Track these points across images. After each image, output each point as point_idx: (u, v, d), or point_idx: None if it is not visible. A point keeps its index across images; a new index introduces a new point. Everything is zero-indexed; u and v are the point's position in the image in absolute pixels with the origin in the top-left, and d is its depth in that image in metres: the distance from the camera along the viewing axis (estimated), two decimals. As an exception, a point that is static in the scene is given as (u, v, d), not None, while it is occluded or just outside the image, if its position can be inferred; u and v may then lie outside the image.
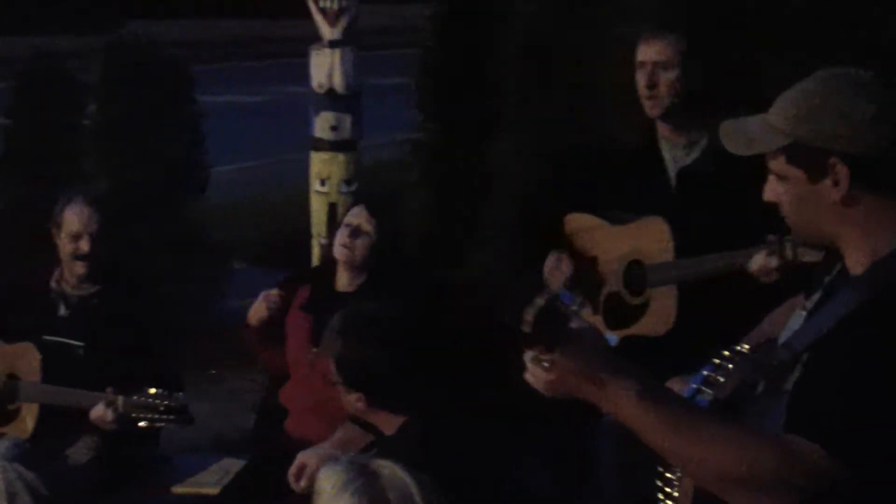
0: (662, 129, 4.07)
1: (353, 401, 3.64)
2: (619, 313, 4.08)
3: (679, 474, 2.35)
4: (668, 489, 2.38)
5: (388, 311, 3.75)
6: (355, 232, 4.37)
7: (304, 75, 6.11)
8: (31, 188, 7.53)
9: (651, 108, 4.02)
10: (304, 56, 6.05)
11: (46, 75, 7.75)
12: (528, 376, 2.22)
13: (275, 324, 4.51)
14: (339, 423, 4.24)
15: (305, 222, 6.00)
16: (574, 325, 2.17)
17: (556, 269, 4.08)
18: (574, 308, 2.15)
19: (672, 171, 4.06)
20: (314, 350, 4.31)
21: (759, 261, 3.74)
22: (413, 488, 2.12)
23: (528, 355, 2.19)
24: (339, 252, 4.40)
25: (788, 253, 3.66)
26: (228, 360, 6.83)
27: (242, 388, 6.60)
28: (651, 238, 4.00)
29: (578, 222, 4.18)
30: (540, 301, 2.11)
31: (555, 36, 5.50)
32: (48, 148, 7.64)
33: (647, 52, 4.02)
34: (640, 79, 4.02)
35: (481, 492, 3.44)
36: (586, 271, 4.07)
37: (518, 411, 5.12)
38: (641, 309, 4.03)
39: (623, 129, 4.36)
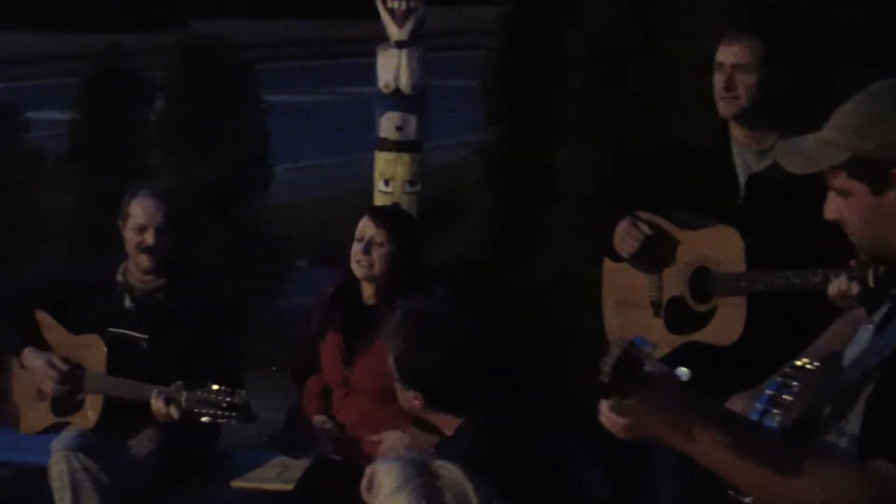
0: (736, 132, 4.01)
1: (411, 399, 3.62)
2: (683, 318, 4.03)
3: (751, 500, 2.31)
4: None
5: (448, 311, 3.73)
6: (368, 245, 4.25)
7: (369, 76, 6.13)
8: (98, 182, 7.62)
9: (725, 108, 3.95)
10: (371, 56, 6.07)
11: (115, 72, 7.84)
12: (604, 419, 2.20)
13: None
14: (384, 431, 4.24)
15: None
16: (649, 368, 2.15)
17: (628, 235, 3.99)
18: (648, 350, 2.13)
19: (742, 176, 4.00)
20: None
21: (839, 286, 3.67)
22: (470, 490, 2.12)
23: (604, 402, 2.17)
24: (354, 268, 4.28)
25: (870, 280, 3.59)
26: (288, 358, 6.86)
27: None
28: (722, 247, 3.94)
29: (648, 221, 4.11)
30: (616, 350, 2.09)
31: (623, 38, 5.47)
32: (115, 143, 7.73)
33: (727, 53, 3.94)
34: (718, 80, 3.95)
35: (537, 494, 3.41)
36: (658, 237, 4.00)
37: (575, 414, 5.11)
38: (707, 316, 3.98)
39: (693, 131, 4.31)
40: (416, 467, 2.15)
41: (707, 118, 4.18)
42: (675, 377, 2.16)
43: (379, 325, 4.17)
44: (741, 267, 3.89)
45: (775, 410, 2.37)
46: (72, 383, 4.64)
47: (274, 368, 6.88)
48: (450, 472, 2.14)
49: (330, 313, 4.42)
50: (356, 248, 4.25)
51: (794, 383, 2.40)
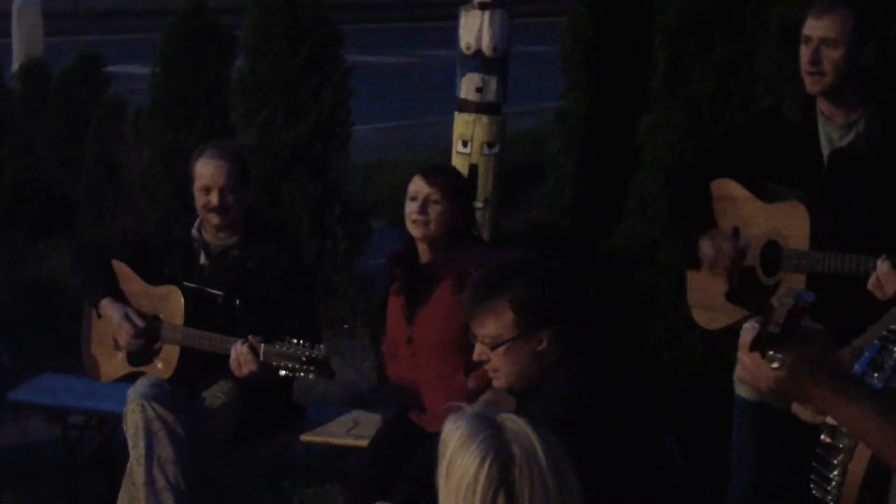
0: (821, 105, 3.95)
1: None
2: (752, 288, 4.02)
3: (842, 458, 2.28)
4: (826, 483, 2.31)
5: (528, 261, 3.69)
6: (424, 205, 4.22)
7: (451, 39, 6.09)
8: (178, 137, 7.68)
9: (812, 85, 3.90)
10: (453, 20, 6.03)
11: (198, 28, 7.87)
12: (745, 374, 2.15)
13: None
14: (451, 393, 4.25)
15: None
16: (805, 323, 2.12)
17: (716, 252, 4.01)
18: (808, 304, 2.09)
19: (826, 150, 3.95)
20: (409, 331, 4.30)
21: (879, 275, 3.62)
22: (537, 443, 2.14)
23: (758, 355, 2.12)
24: (411, 228, 4.25)
25: None
26: (362, 316, 6.90)
27: (374, 343, 6.64)
28: (791, 223, 3.92)
29: (727, 190, 4.11)
30: (788, 301, 2.06)
31: (711, 7, 5.39)
32: (197, 99, 7.77)
33: (815, 27, 3.86)
34: (804, 54, 3.88)
35: (609, 453, 3.36)
36: (748, 274, 4.01)
37: (651, 383, 5.09)
38: (773, 290, 3.96)
39: (779, 102, 4.24)
40: (483, 420, 2.17)
41: (793, 90, 4.11)
42: (830, 336, 2.11)
43: (435, 282, 4.22)
44: (806, 245, 3.86)
45: (876, 373, 2.34)
46: (148, 335, 4.68)
47: (345, 326, 6.92)
48: (516, 424, 2.16)
49: (392, 276, 4.43)
50: (412, 208, 4.23)
51: (894, 347, 2.36)
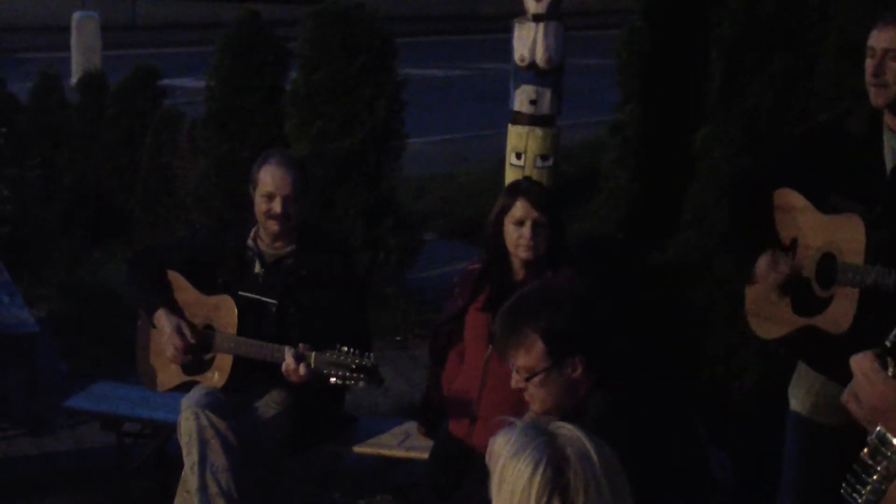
0: (888, 119, 3.91)
1: None
2: (807, 300, 3.98)
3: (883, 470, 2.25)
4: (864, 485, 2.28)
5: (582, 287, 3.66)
6: (536, 226, 4.22)
7: (504, 52, 6.10)
8: (233, 148, 7.72)
9: (876, 97, 3.86)
10: (506, 33, 6.03)
11: (253, 40, 7.93)
12: (848, 395, 2.16)
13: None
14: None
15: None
16: None
17: (770, 270, 3.98)
18: None
19: (889, 164, 3.90)
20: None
21: None
22: (591, 448, 2.12)
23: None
24: (519, 251, 4.24)
25: None
26: (414, 328, 6.90)
27: (425, 355, 6.64)
28: (847, 236, 3.87)
29: (788, 199, 4.07)
30: None
31: (770, 20, 5.36)
32: (251, 110, 7.82)
33: (879, 38, 3.83)
34: (868, 65, 3.85)
35: (660, 467, 3.34)
36: (804, 287, 3.97)
37: (703, 392, 5.05)
38: (826, 303, 3.92)
39: (841, 115, 4.19)
40: (534, 429, 2.15)
41: (859, 102, 4.06)
42: None
43: None
44: (860, 259, 3.81)
45: None
46: (200, 348, 4.69)
47: (398, 338, 6.92)
48: (568, 430, 2.14)
49: (477, 292, 4.38)
50: (521, 233, 4.23)
51: None
